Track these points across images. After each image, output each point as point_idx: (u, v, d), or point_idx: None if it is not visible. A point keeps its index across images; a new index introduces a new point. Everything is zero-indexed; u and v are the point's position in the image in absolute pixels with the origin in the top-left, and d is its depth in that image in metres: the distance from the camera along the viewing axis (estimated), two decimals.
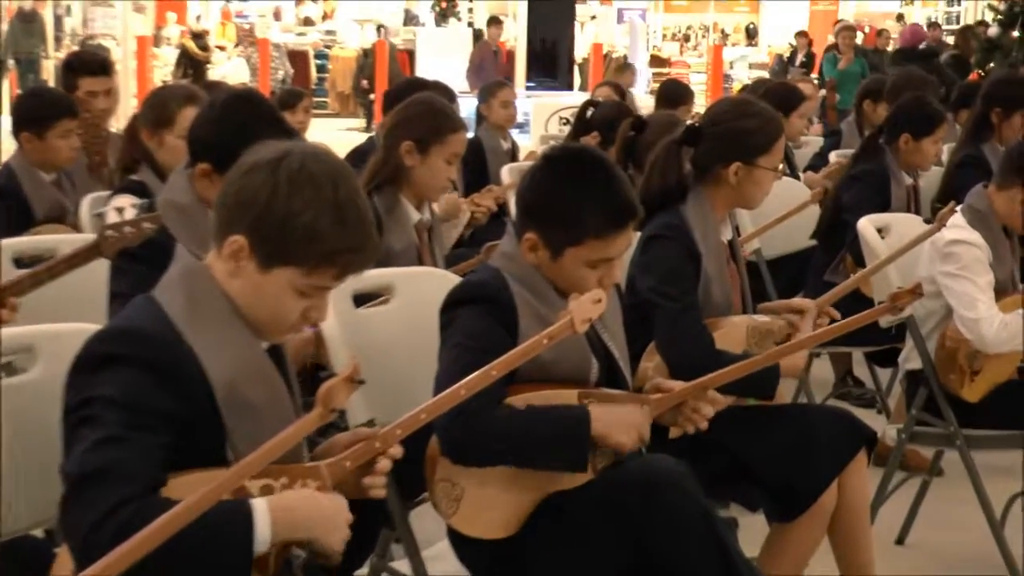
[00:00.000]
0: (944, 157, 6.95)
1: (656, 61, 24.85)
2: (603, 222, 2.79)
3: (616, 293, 3.08)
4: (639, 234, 3.47)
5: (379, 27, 21.64)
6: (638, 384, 3.13)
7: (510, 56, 20.77)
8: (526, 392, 2.75)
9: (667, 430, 3.13)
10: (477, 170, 6.67)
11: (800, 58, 18.45)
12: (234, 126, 3.14)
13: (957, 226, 4.10)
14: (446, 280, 3.27)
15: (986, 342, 3.97)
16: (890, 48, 16.12)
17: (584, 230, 2.78)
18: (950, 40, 17.22)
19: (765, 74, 20.49)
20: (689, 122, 3.81)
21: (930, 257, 4.14)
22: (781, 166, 3.59)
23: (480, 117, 7.36)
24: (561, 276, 2.83)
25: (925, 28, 17.86)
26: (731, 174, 3.48)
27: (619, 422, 2.75)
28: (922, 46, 14.43)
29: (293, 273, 2.22)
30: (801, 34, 19.68)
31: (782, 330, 3.48)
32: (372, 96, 19.61)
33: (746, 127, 3.50)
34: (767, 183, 3.55)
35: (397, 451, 2.31)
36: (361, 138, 8.39)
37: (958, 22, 21.85)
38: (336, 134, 18.02)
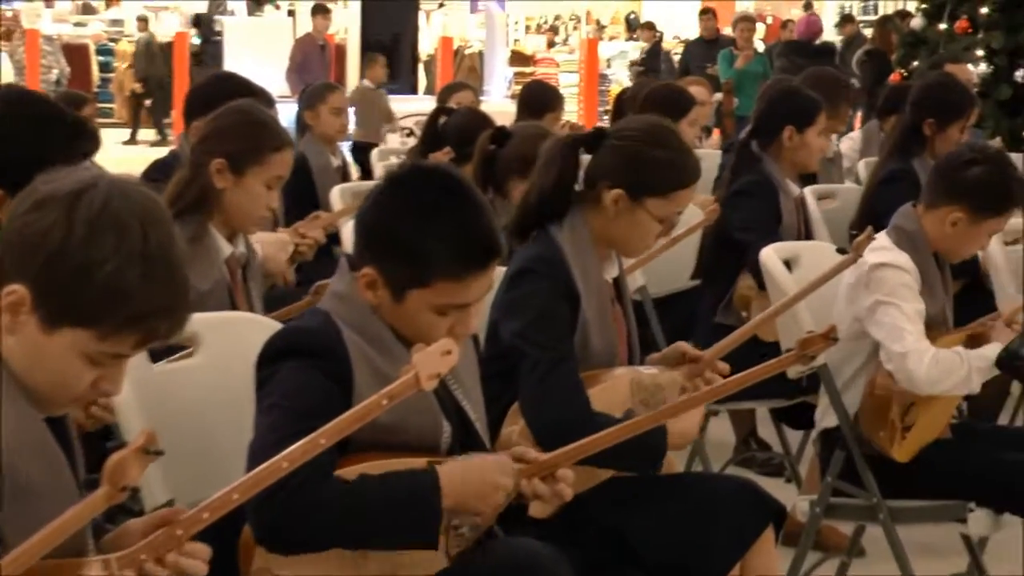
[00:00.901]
0: (860, 170, 7.14)
1: (518, 58, 25.05)
2: (456, 261, 2.80)
3: (473, 342, 3.11)
4: (503, 268, 3.50)
5: (196, 17, 21.49)
6: (501, 450, 3.14)
7: (340, 52, 20.76)
8: (361, 462, 2.75)
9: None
10: (301, 193, 6.64)
11: (640, 55, 18.78)
12: (24, 138, 3.10)
13: (882, 248, 4.20)
14: (264, 327, 3.26)
15: (915, 380, 4.05)
16: None
17: (432, 270, 2.79)
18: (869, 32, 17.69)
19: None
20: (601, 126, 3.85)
21: (848, 295, 4.23)
22: (671, 219, 3.62)
23: (304, 127, 7.35)
24: (405, 322, 2.84)
25: (839, 19, 18.31)
26: (610, 200, 3.51)
27: (474, 481, 2.77)
28: (817, 42, 14.82)
29: (85, 336, 2.19)
30: (647, 26, 20.03)
31: (674, 384, 3.52)
32: (148, 102, 19.61)
33: (652, 157, 3.52)
34: (647, 231, 3.55)
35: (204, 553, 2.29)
36: (155, 154, 8.30)
37: (876, 12, 22.43)
38: (123, 151, 17.82)
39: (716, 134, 11.17)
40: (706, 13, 16.19)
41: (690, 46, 16.47)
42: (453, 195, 2.85)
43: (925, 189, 4.32)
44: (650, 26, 20.26)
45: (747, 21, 15.16)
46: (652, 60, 19.07)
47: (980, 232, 4.25)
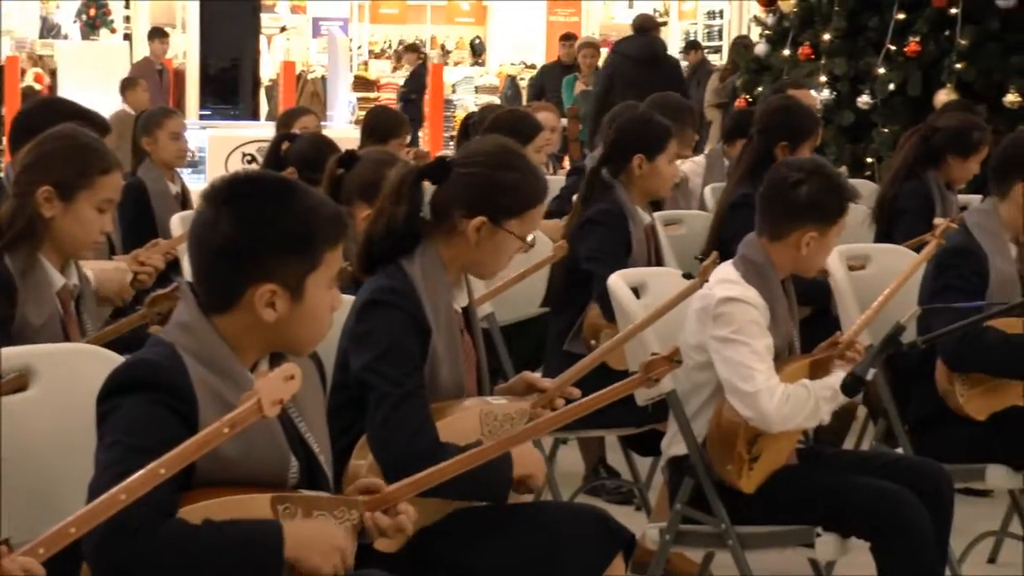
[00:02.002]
0: (707, 196, 7.23)
1: (362, 84, 25.02)
2: (332, 224, 2.87)
3: (318, 373, 3.10)
4: (350, 297, 3.50)
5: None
6: (348, 485, 3.14)
7: (179, 77, 20.58)
8: (205, 498, 2.73)
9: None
10: (138, 220, 6.58)
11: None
12: None
13: (729, 281, 4.22)
14: (102, 359, 3.21)
15: (768, 419, 4.09)
16: None
17: (318, 244, 2.84)
18: (715, 59, 17.94)
19: (495, 99, 20.92)
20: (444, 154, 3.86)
21: (697, 319, 4.27)
22: (531, 238, 3.66)
23: (142, 153, 7.27)
24: (307, 324, 2.86)
25: (684, 46, 18.55)
26: (472, 229, 3.53)
27: (317, 540, 2.76)
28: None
29: None
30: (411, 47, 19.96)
31: (523, 414, 3.54)
32: None
33: (505, 180, 3.55)
34: (509, 251, 3.60)
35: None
36: None
37: (720, 37, 22.76)
38: None
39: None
40: (568, 39, 16.29)
41: (546, 70, 16.57)
42: (295, 183, 2.93)
43: (763, 221, 4.30)
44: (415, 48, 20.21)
45: (590, 47, 15.30)
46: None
47: (830, 241, 4.31)
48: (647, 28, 12.99)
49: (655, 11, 26.65)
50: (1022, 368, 4.64)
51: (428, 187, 3.57)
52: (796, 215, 4.23)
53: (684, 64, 16.90)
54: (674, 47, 19.14)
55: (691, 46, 18.14)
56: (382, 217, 3.56)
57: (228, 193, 2.87)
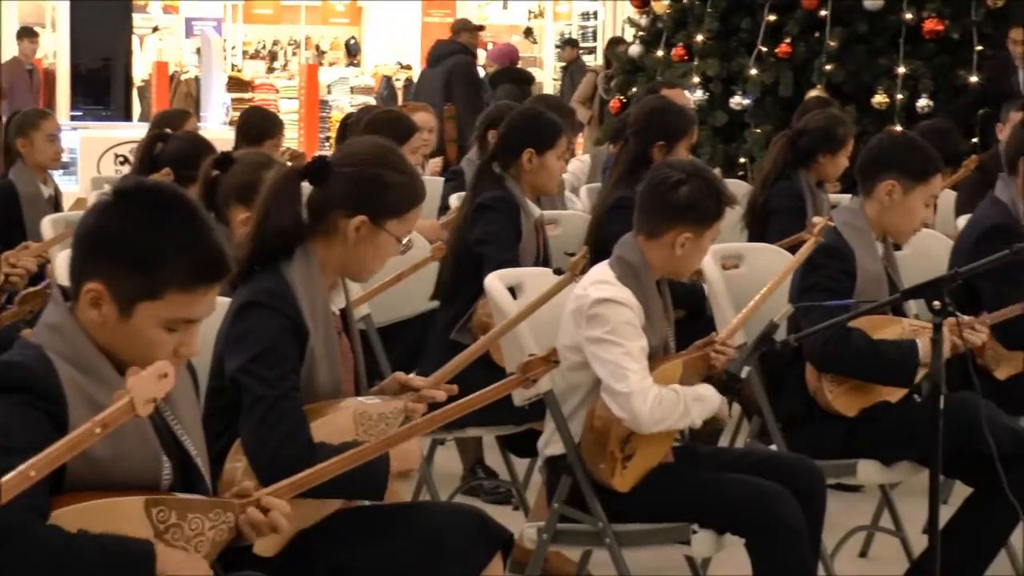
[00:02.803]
0: (583, 196, 7.27)
1: (236, 84, 24.83)
2: (189, 271, 2.78)
3: (191, 375, 3.07)
4: (226, 299, 3.47)
5: None
6: (224, 488, 3.12)
7: (49, 77, 20.29)
8: (77, 501, 2.70)
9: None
10: (8, 222, 6.50)
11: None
12: None
13: (604, 282, 4.24)
14: None
15: (640, 420, 4.12)
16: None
17: (164, 280, 2.77)
18: (589, 60, 18.02)
19: (371, 100, 20.85)
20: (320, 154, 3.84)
21: (573, 320, 4.28)
22: (407, 240, 3.65)
23: (12, 155, 7.17)
24: (129, 340, 2.79)
25: (561, 43, 18.62)
26: (352, 228, 3.52)
27: (185, 565, 2.74)
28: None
29: None
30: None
31: (398, 414, 3.54)
32: None
33: (385, 179, 3.55)
34: (388, 252, 3.60)
35: None
36: None
37: (594, 39, 22.87)
38: None
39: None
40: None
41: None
42: (183, 208, 2.83)
43: (641, 220, 4.33)
44: None
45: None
46: None
47: (704, 244, 4.35)
48: (456, 30, 13.06)
49: (530, 12, 26.77)
50: (882, 376, 4.71)
51: (306, 188, 3.55)
52: (674, 215, 4.26)
53: (559, 63, 16.98)
54: (548, 48, 19.17)
55: (568, 43, 18.20)
56: (262, 220, 3.53)
57: (125, 190, 2.85)
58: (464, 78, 12.46)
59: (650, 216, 4.32)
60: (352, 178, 3.54)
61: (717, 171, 8.77)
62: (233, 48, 28.08)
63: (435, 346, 5.53)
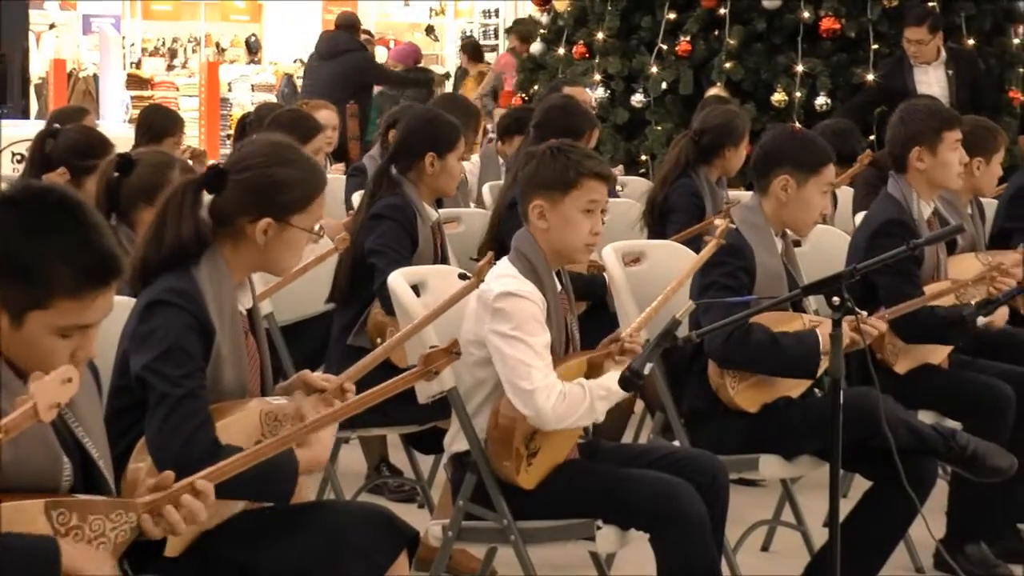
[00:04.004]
0: (485, 194, 7.28)
1: (135, 82, 24.60)
2: (76, 279, 2.75)
3: (92, 375, 3.04)
4: (130, 299, 3.44)
5: None
6: (127, 488, 3.09)
7: None
8: None
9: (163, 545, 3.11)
10: None
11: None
12: None
13: (508, 276, 4.25)
14: None
15: (544, 417, 4.13)
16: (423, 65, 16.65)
17: (51, 290, 2.74)
18: (492, 58, 18.02)
19: (272, 97, 20.74)
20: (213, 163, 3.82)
21: (476, 315, 4.28)
22: (318, 227, 3.64)
23: None
24: (24, 349, 2.76)
25: (460, 43, 18.61)
26: (259, 232, 3.51)
27: (92, 561, 2.72)
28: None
29: None
30: None
31: (303, 412, 3.53)
32: None
33: (282, 177, 3.54)
34: (301, 246, 3.60)
35: None
36: None
37: (496, 36, 22.89)
38: None
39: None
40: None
41: None
42: (69, 213, 2.80)
43: (521, 207, 4.38)
44: None
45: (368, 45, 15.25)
46: None
47: (574, 216, 4.26)
48: (344, 25, 13.02)
49: (431, 9, 26.75)
50: (784, 369, 4.75)
51: (207, 195, 3.53)
52: (530, 188, 4.31)
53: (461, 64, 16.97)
54: (451, 46, 19.16)
55: (470, 43, 18.18)
56: (158, 232, 3.50)
57: (9, 198, 2.81)
58: (367, 77, 12.46)
59: (519, 198, 4.38)
60: (248, 184, 3.53)
61: (619, 168, 8.82)
62: (132, 45, 27.81)
63: (334, 351, 5.52)
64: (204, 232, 3.50)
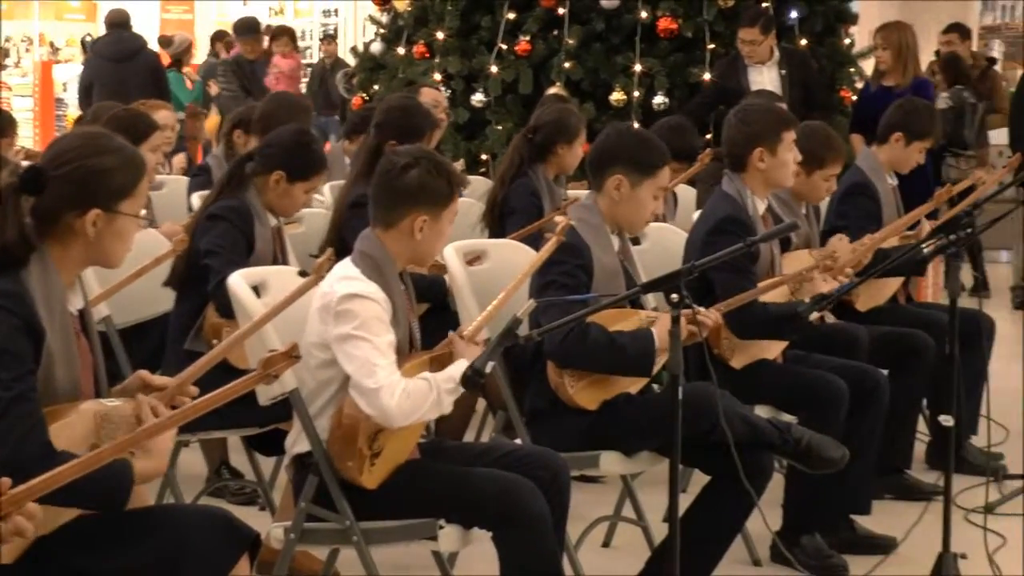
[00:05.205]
0: (325, 193, 7.25)
1: None
2: None
3: None
4: None
5: None
6: None
7: None
8: None
9: None
10: None
11: None
12: None
13: (350, 277, 4.23)
14: None
15: (388, 415, 4.12)
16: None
17: None
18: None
19: None
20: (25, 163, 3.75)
21: (319, 317, 4.26)
22: (144, 212, 3.61)
23: None
24: None
25: (323, 37, 18.48)
26: (88, 225, 3.46)
27: None
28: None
29: None
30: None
31: (140, 414, 3.48)
32: None
33: (103, 166, 3.49)
34: (131, 234, 3.55)
35: None
36: None
37: (336, 36, 22.80)
38: None
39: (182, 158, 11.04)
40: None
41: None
42: None
43: (376, 212, 4.35)
44: None
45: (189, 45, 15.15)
46: None
47: (443, 227, 4.33)
48: (118, 24, 12.90)
49: (271, 9, 26.55)
50: (621, 368, 4.80)
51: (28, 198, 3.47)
52: (407, 199, 4.28)
53: (321, 56, 16.84)
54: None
55: (328, 38, 18.10)
56: None
57: None
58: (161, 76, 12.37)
59: (384, 206, 4.34)
60: (70, 178, 3.47)
61: (459, 164, 8.85)
62: None
63: (171, 354, 5.46)
64: (29, 235, 3.44)
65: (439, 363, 4.32)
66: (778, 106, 5.78)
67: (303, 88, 15.37)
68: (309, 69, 17.06)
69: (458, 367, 4.17)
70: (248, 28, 14.21)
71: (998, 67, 14.38)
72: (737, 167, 5.56)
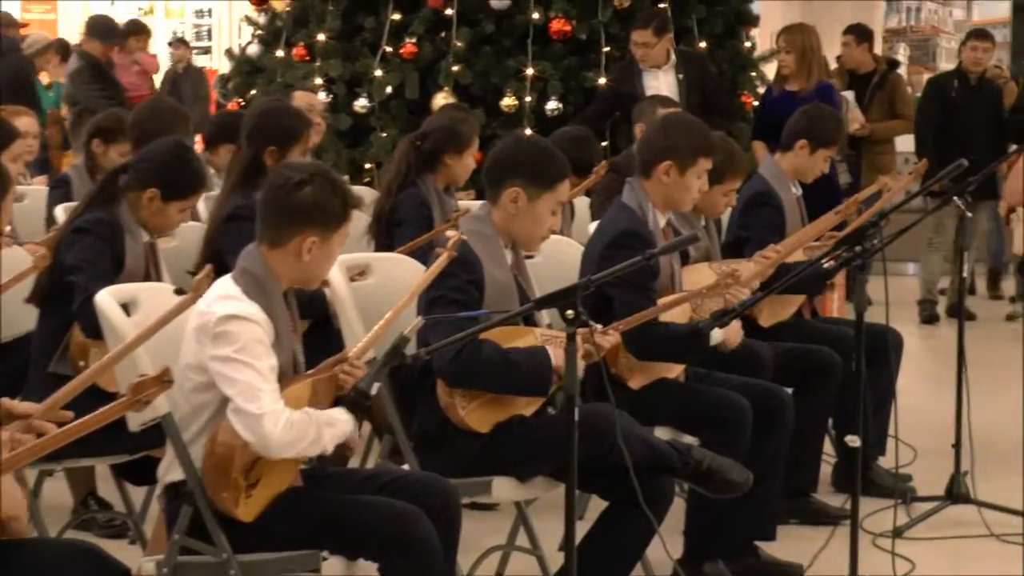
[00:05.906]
0: (200, 208, 7.18)
1: None
2: None
3: None
4: None
5: None
6: None
7: None
8: None
9: None
10: None
11: None
12: None
13: (230, 297, 4.19)
14: None
15: (269, 443, 4.08)
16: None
17: None
18: (205, 61, 17.80)
19: None
20: None
21: (196, 338, 4.20)
22: (10, 228, 3.56)
23: None
24: None
25: (172, 40, 18.32)
26: None
27: None
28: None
29: None
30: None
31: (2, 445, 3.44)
32: None
33: None
34: None
35: None
36: None
37: (209, 37, 22.67)
38: None
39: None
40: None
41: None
42: None
43: (264, 228, 4.30)
44: None
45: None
46: None
47: (332, 249, 4.31)
48: (9, 25, 12.80)
49: (140, 9, 26.31)
50: (515, 387, 4.79)
51: None
52: (298, 218, 4.24)
53: (171, 61, 16.67)
54: (161, 47, 18.84)
55: (178, 42, 17.92)
56: None
57: None
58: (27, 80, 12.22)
59: (273, 223, 4.28)
60: None
61: (345, 178, 8.81)
62: None
63: (34, 378, 5.38)
64: None
65: (321, 388, 4.28)
66: (705, 128, 5.71)
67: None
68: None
69: (340, 413, 4.16)
70: (106, 29, 14.01)
71: (902, 71, 14.58)
72: (643, 172, 5.55)
